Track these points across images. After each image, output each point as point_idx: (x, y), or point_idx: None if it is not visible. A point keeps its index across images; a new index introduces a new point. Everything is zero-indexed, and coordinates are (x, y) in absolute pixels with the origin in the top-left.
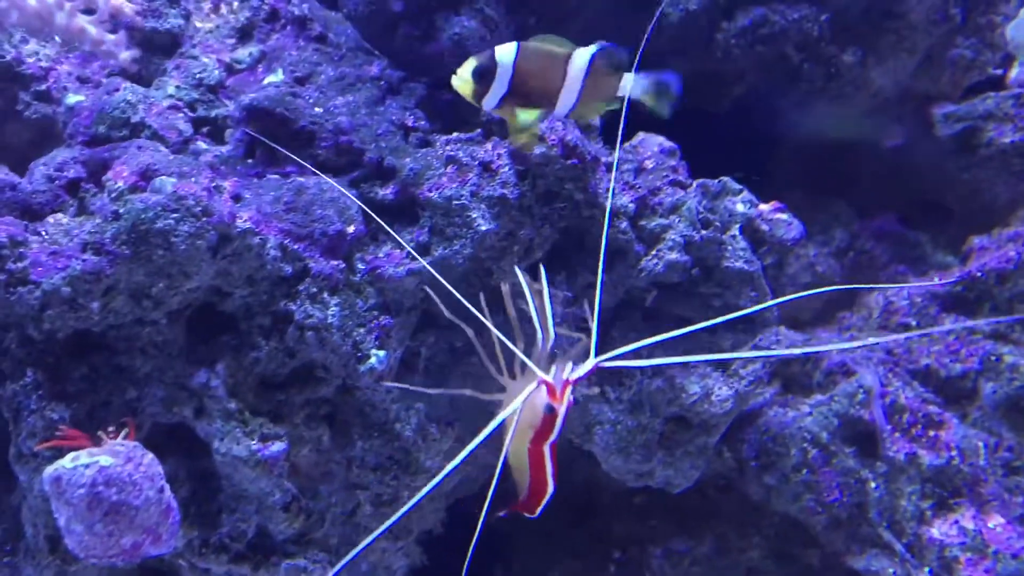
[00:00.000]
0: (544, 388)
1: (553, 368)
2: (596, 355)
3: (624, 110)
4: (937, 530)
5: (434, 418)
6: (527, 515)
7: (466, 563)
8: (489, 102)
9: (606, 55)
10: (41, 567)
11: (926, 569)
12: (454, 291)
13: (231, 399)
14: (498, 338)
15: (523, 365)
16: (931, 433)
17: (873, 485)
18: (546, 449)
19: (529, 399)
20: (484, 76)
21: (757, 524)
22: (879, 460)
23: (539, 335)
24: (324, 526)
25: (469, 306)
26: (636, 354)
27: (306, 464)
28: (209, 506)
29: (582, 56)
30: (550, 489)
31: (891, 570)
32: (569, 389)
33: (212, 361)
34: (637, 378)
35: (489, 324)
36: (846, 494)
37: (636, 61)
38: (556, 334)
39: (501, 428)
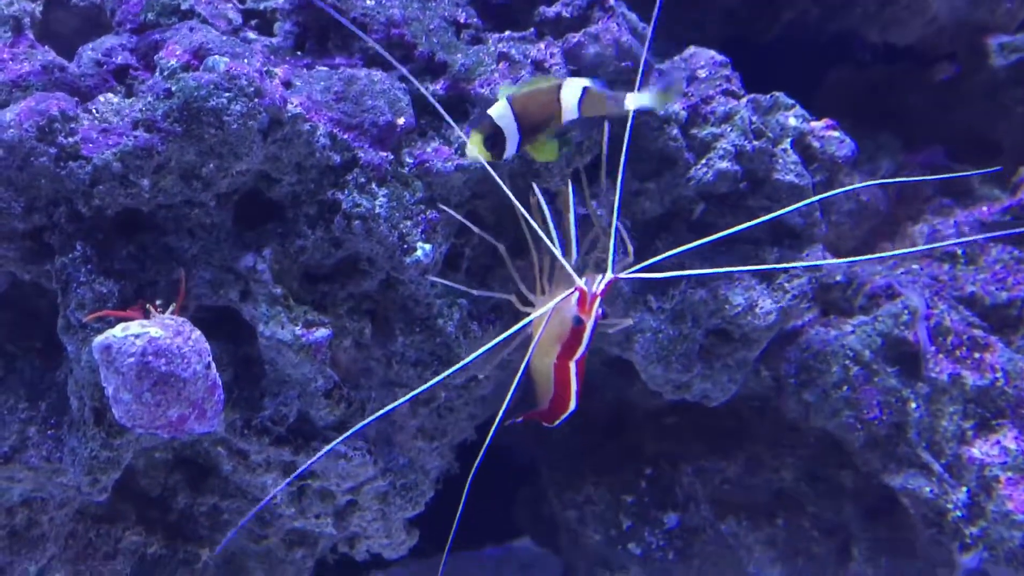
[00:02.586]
0: (574, 299)
1: (583, 279)
2: (621, 270)
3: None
4: (978, 450)
5: (476, 316)
6: (544, 424)
7: (476, 462)
8: (508, 156)
9: (598, 85)
10: (87, 439)
11: (964, 488)
12: (503, 186)
13: (276, 284)
14: (536, 242)
15: (552, 283)
16: (976, 355)
17: (914, 405)
18: (572, 365)
19: (558, 310)
20: (494, 141)
21: (791, 445)
22: (921, 381)
23: (572, 247)
24: (364, 416)
25: (515, 203)
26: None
27: (346, 359)
28: (252, 390)
29: (573, 85)
30: (572, 406)
31: (927, 489)
32: (597, 302)
33: (259, 247)
34: (681, 287)
35: (533, 222)
36: (886, 412)
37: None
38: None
39: (528, 341)
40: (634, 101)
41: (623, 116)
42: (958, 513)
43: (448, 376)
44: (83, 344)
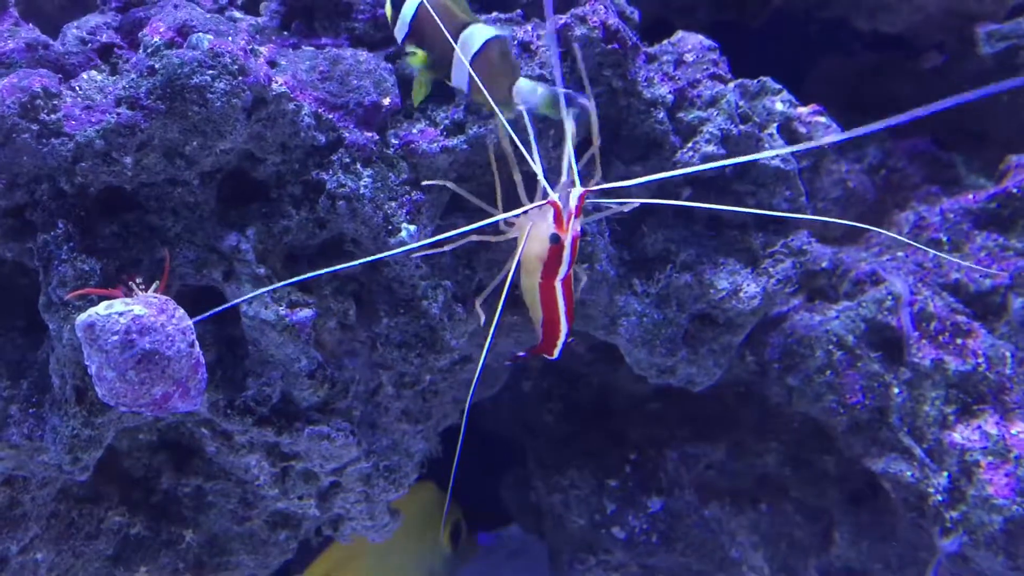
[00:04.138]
0: (550, 216)
1: (557, 195)
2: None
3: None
4: (959, 435)
5: (461, 298)
6: (546, 357)
7: (460, 437)
8: (397, 34)
9: (501, 45)
10: (68, 416)
11: (945, 473)
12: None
13: (260, 264)
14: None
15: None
16: (958, 341)
17: (896, 390)
18: (557, 285)
19: (534, 231)
20: (394, 9)
21: (775, 431)
22: (903, 366)
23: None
24: (348, 398)
25: (499, 115)
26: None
27: (331, 340)
28: (235, 371)
29: (475, 33)
30: (563, 328)
31: (909, 473)
32: (575, 220)
33: (243, 226)
34: (666, 271)
35: (509, 130)
36: (869, 397)
37: None
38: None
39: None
40: (524, 89)
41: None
42: (939, 497)
43: (431, 352)
44: (65, 322)
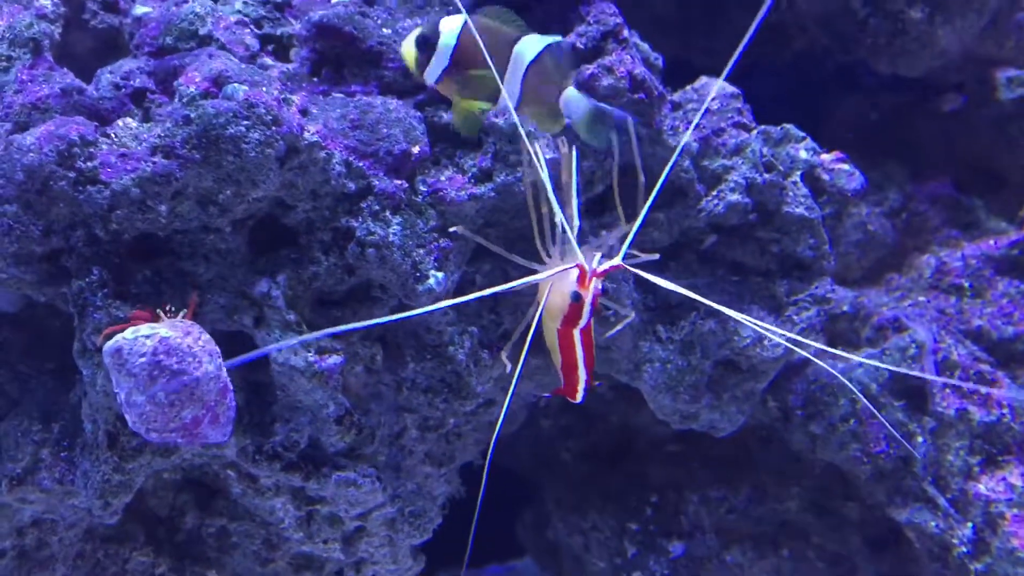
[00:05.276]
0: (574, 275)
1: (582, 254)
2: (624, 257)
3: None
4: (984, 486)
5: (487, 344)
6: (570, 400)
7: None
8: (430, 75)
9: (556, 51)
10: (100, 462)
11: (969, 524)
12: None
13: (290, 310)
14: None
15: (562, 257)
16: (983, 390)
17: (920, 439)
18: (576, 334)
19: (557, 285)
20: (426, 47)
21: (796, 476)
22: (927, 415)
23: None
24: (374, 443)
25: (532, 149)
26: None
27: (356, 384)
28: (263, 415)
29: (529, 44)
30: (582, 375)
31: (933, 524)
32: (596, 280)
33: (273, 272)
34: (690, 318)
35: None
36: (893, 446)
37: None
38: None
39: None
40: (571, 98)
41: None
42: (963, 549)
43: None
44: (99, 368)
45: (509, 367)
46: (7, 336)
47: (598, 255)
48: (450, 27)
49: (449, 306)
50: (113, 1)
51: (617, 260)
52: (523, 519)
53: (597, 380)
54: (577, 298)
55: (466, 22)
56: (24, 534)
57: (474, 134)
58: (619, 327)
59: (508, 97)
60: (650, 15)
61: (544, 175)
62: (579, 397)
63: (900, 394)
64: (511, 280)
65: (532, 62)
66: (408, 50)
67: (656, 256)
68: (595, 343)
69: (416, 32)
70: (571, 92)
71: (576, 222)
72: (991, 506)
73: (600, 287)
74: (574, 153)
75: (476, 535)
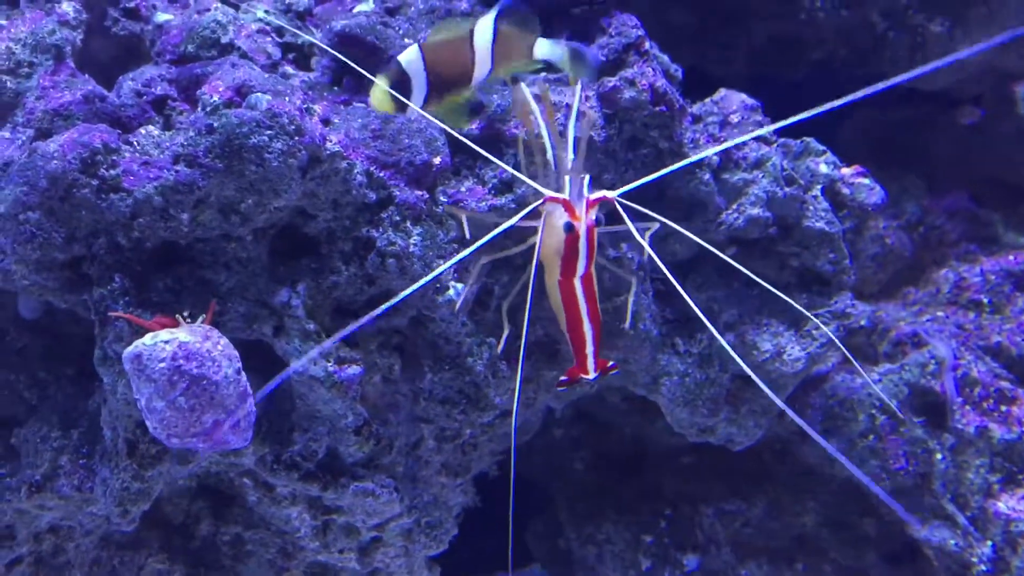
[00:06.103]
0: (562, 208)
1: (567, 183)
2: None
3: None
4: (1004, 504)
5: (505, 355)
6: (584, 377)
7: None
8: (416, 98)
9: (510, 14)
10: (119, 469)
11: (988, 543)
12: None
13: (309, 320)
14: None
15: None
16: (1003, 408)
17: (939, 456)
18: (577, 283)
19: (550, 224)
20: (399, 88)
21: (813, 491)
22: (947, 432)
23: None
24: (392, 454)
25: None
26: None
27: (374, 393)
28: (281, 424)
29: (484, 24)
30: (588, 332)
31: (952, 542)
32: (591, 209)
33: (293, 282)
34: (708, 332)
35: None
36: (912, 463)
37: None
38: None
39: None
40: (545, 48)
41: (530, 70)
42: (983, 567)
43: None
44: (120, 376)
45: (508, 329)
46: (27, 342)
47: (586, 179)
48: (409, 57)
49: (448, 267)
50: (135, 8)
51: (614, 194)
52: (534, 528)
53: (613, 369)
54: (570, 228)
55: (420, 46)
56: (41, 540)
57: (461, 124)
58: (631, 298)
59: (482, 71)
60: (666, 24)
61: (535, 108)
62: (589, 366)
63: (920, 410)
64: (527, 288)
65: (494, 37)
66: (382, 100)
67: (657, 225)
68: (610, 332)
69: (380, 82)
70: (542, 43)
71: (570, 155)
72: (1011, 525)
73: (594, 218)
74: (579, 87)
75: (486, 543)
